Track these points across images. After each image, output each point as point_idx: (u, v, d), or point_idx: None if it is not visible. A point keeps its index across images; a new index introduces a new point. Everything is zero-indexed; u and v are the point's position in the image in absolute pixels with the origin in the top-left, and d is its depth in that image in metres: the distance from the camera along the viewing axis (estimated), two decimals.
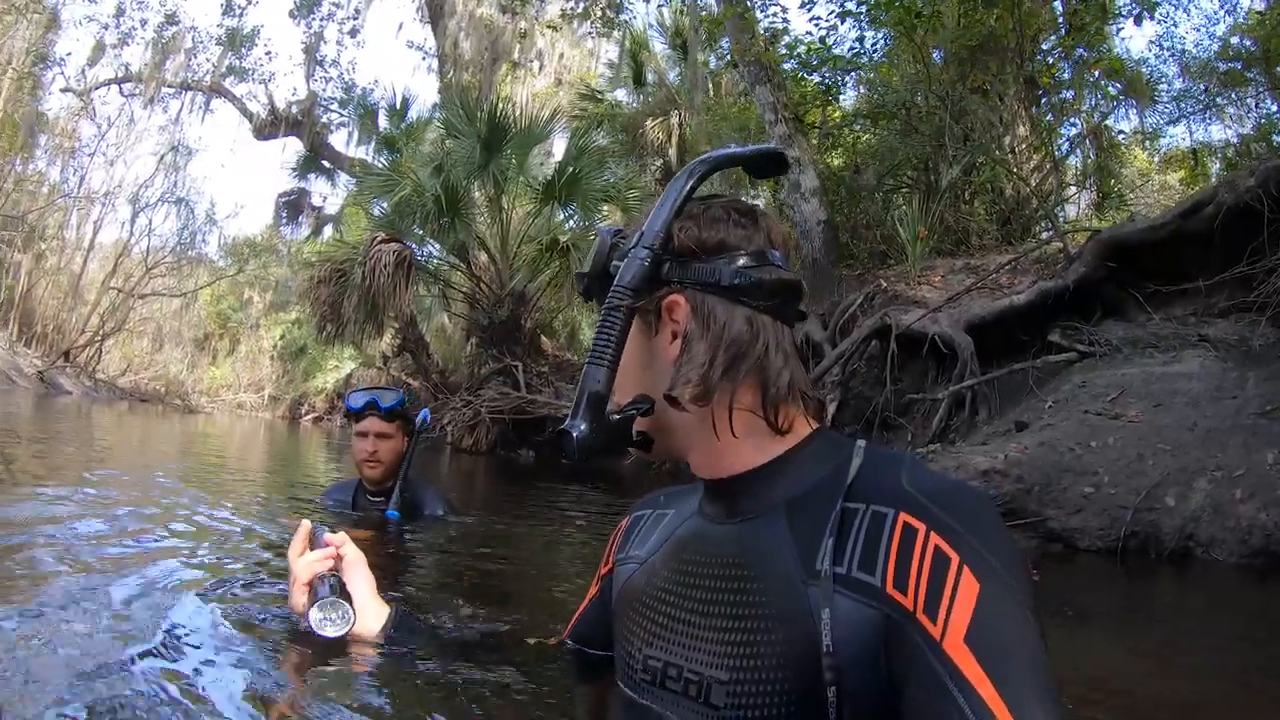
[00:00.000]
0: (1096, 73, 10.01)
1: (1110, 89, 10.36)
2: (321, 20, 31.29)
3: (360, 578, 1.64)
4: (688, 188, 1.21)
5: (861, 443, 1.15)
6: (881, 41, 11.53)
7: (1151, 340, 6.53)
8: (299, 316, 32.17)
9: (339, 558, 1.65)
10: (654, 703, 1.20)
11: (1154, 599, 3.92)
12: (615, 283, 1.18)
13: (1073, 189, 11.28)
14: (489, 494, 8.47)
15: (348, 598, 1.55)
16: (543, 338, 17.40)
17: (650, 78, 20.07)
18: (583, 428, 1.14)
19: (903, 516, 1.01)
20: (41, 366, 29.10)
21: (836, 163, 12.77)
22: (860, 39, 11.38)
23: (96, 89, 34.68)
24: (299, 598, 1.58)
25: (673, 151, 17.14)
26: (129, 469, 7.12)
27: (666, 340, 1.20)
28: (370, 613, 1.59)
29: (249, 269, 42.05)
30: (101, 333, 34.90)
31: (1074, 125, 11.09)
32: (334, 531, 1.71)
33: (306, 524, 1.69)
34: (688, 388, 1.15)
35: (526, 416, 14.43)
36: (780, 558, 1.10)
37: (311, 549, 1.66)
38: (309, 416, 33.22)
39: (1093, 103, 10.65)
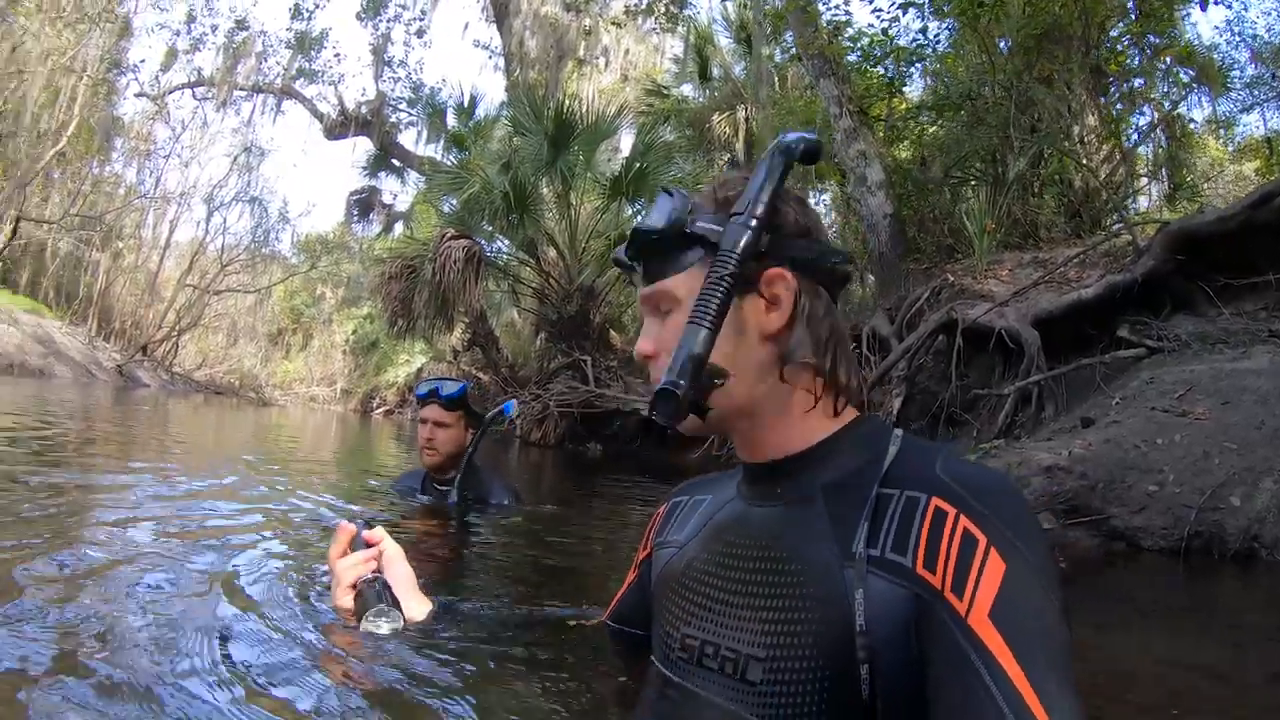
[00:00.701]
0: (1167, 60, 9.79)
1: (1182, 76, 10.13)
2: (389, 22, 31.93)
3: (401, 574, 1.64)
4: (785, 165, 1.24)
5: (899, 431, 1.21)
6: (945, 32, 11.47)
7: (1221, 336, 6.40)
8: (370, 312, 32.70)
9: (379, 555, 1.65)
10: (690, 680, 1.24)
11: (1216, 599, 3.88)
12: (723, 248, 1.20)
13: (1144, 180, 11.06)
14: (556, 486, 8.58)
15: (395, 601, 1.54)
16: (611, 332, 17.48)
17: (716, 72, 20.06)
18: (684, 385, 1.15)
19: (935, 501, 1.06)
20: (120, 360, 29.95)
21: (903, 155, 12.70)
22: (923, 30, 11.32)
23: (170, 93, 35.83)
24: (342, 600, 1.57)
25: (740, 146, 17.13)
26: (205, 456, 7.42)
27: (759, 312, 1.23)
28: (413, 607, 1.59)
29: (321, 265, 42.78)
30: (178, 328, 35.94)
31: (1144, 114, 10.88)
32: (379, 524, 1.70)
33: (347, 525, 1.66)
34: (807, 361, 1.24)
35: (595, 410, 14.52)
36: (818, 540, 1.15)
37: (353, 549, 1.65)
38: (380, 410, 33.67)
39: (1164, 90, 10.42)
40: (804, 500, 1.21)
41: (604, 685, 1.47)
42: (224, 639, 1.61)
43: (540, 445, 14.54)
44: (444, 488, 4.09)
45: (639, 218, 1.31)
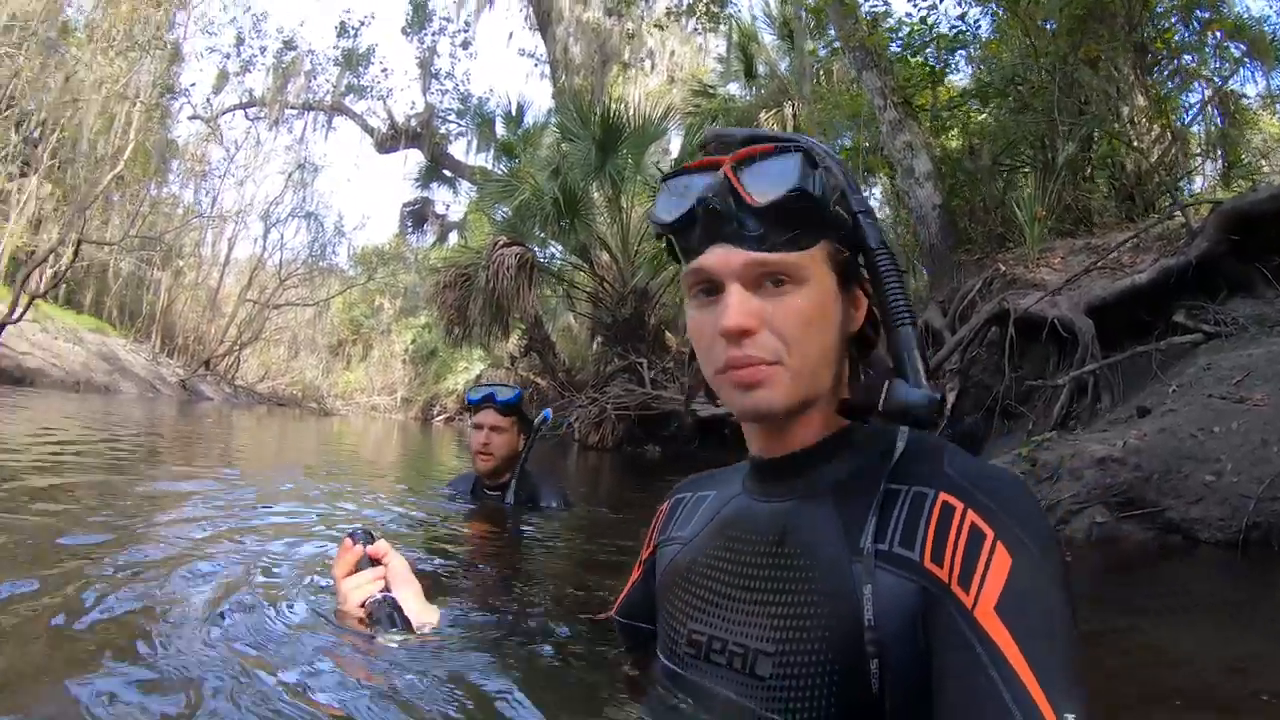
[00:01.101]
0: (1217, 33, 9.56)
1: (1233, 51, 9.88)
2: (434, 35, 32.61)
3: (408, 591, 1.62)
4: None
5: (905, 428, 1.20)
6: (984, 18, 11.33)
7: (1279, 318, 6.29)
8: (428, 321, 33.18)
9: (385, 572, 1.62)
10: (697, 675, 1.25)
11: (1273, 595, 3.80)
12: (878, 246, 1.23)
13: (1198, 159, 10.81)
14: (613, 489, 8.63)
15: (406, 623, 1.54)
16: (666, 334, 17.54)
17: (761, 69, 19.97)
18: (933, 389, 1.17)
19: (942, 496, 1.08)
20: (184, 375, 30.75)
21: (953, 145, 12.57)
22: (961, 16, 11.19)
23: (223, 114, 36.88)
24: (352, 623, 1.56)
25: None
26: (269, 464, 7.61)
27: (848, 309, 1.25)
28: (423, 621, 1.59)
29: (378, 277, 43.51)
30: (239, 342, 36.75)
31: (1195, 92, 10.63)
32: (381, 536, 1.66)
33: (350, 543, 1.62)
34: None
35: (652, 412, 14.58)
36: (826, 535, 1.16)
37: (359, 567, 1.62)
38: (440, 417, 34.13)
39: (1215, 67, 10.16)
40: (813, 496, 1.23)
41: (610, 678, 1.50)
42: (265, 637, 1.63)
43: (598, 449, 14.62)
44: (495, 492, 4.18)
45: (758, 171, 1.21)
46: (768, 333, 1.17)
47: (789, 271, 1.18)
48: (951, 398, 7.71)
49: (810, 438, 1.26)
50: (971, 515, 1.04)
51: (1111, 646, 2.67)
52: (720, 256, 1.19)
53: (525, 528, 3.91)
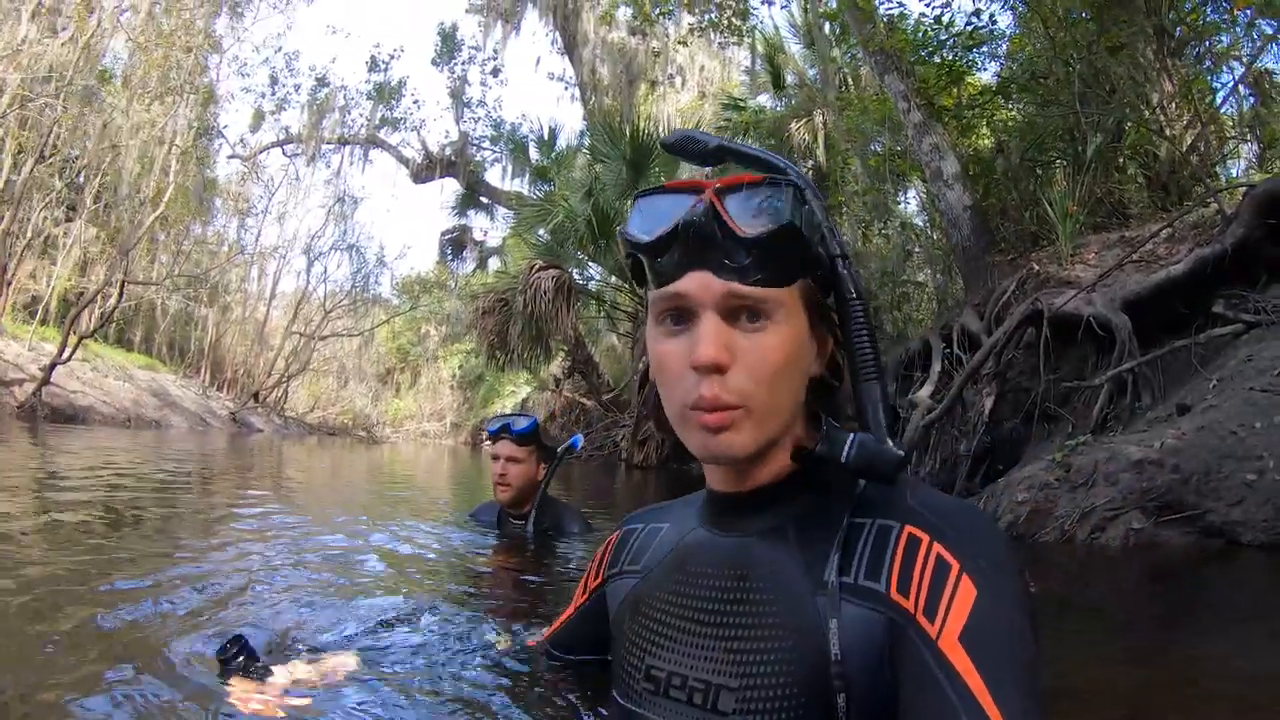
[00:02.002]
0: (1247, 11, 9.31)
1: (1265, 29, 9.60)
2: (463, 65, 33.02)
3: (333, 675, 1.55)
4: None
5: None
6: (1003, 13, 11.17)
7: None
8: (473, 347, 33.40)
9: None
10: (655, 712, 1.22)
11: None
12: (853, 294, 1.21)
13: (1234, 142, 10.55)
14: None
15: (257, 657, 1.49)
16: None
17: (790, 79, 19.91)
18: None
19: (908, 529, 1.08)
20: (234, 408, 31.16)
21: (983, 144, 12.41)
22: (977, 12, 11.04)
23: (260, 153, 37.47)
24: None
25: (820, 151, 16.94)
26: (317, 491, 7.68)
27: (813, 351, 1.23)
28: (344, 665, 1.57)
29: (422, 305, 43.85)
30: (287, 374, 37.17)
31: (1226, 74, 10.36)
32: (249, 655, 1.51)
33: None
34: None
35: None
36: (789, 569, 1.16)
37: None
38: (489, 441, 34.26)
39: (1247, 47, 9.90)
40: (774, 531, 1.21)
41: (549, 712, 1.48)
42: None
43: (642, 467, 14.65)
44: (518, 521, 4.22)
45: (745, 201, 1.17)
46: (738, 371, 1.13)
47: (766, 308, 1.15)
48: (989, 403, 7.57)
49: (772, 474, 1.23)
50: (937, 547, 1.04)
51: (1148, 662, 2.60)
52: (699, 283, 1.14)
53: (550, 555, 3.94)
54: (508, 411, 5.13)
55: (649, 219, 1.21)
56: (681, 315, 1.18)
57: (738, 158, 1.34)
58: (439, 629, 2.08)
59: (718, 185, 1.17)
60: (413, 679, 1.62)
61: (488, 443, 4.30)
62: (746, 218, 1.14)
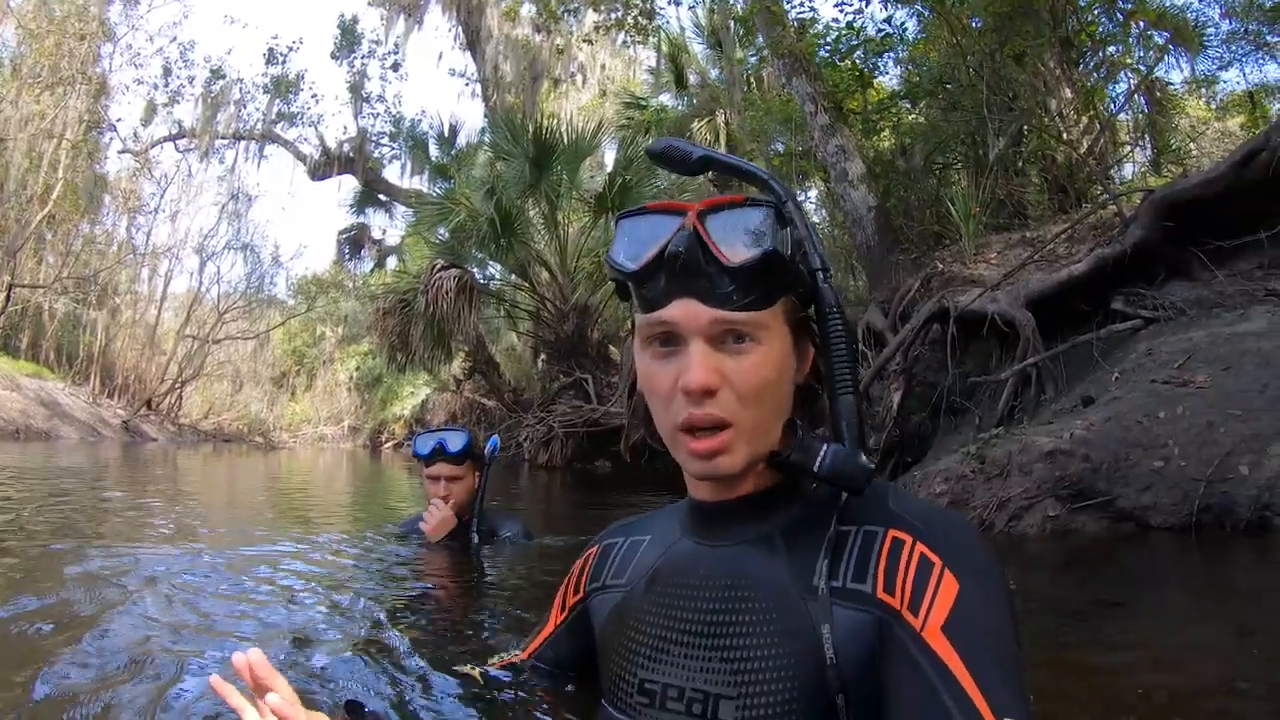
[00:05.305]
0: (1141, 23, 9.70)
1: (1157, 39, 10.04)
2: (363, 58, 32.25)
3: None
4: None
5: None
6: (910, 20, 11.42)
7: (1217, 299, 6.28)
8: (371, 348, 32.80)
9: None
10: None
11: (1230, 576, 3.78)
12: (831, 308, 1.22)
13: (1127, 147, 10.97)
14: (566, 510, 8.56)
15: None
16: (610, 348, 17.49)
17: (692, 79, 20.06)
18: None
19: (892, 532, 1.12)
20: (125, 416, 30.11)
21: (885, 146, 12.64)
22: (888, 19, 11.25)
23: (153, 147, 36.05)
24: None
25: (722, 150, 17.09)
26: (213, 511, 7.32)
27: (795, 362, 1.25)
28: None
29: (318, 306, 42.87)
30: (180, 379, 36.10)
31: (1122, 82, 10.78)
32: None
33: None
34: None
35: (600, 428, 14.53)
36: (778, 577, 1.17)
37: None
38: (389, 444, 33.70)
39: (1140, 56, 10.33)
40: (762, 540, 1.23)
41: None
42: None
43: (548, 467, 14.58)
44: (458, 531, 4.06)
45: (728, 224, 1.17)
46: (727, 392, 1.16)
47: (752, 331, 1.16)
48: (898, 398, 7.69)
49: (755, 483, 1.26)
50: (921, 547, 1.09)
51: (1067, 641, 2.65)
52: (685, 311, 1.16)
53: (491, 565, 3.86)
54: (431, 430, 4.82)
55: (634, 244, 1.21)
56: (669, 339, 1.19)
57: (721, 168, 1.37)
58: (406, 650, 2.04)
59: (699, 208, 1.18)
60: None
61: (425, 466, 4.07)
62: (731, 244, 1.15)
